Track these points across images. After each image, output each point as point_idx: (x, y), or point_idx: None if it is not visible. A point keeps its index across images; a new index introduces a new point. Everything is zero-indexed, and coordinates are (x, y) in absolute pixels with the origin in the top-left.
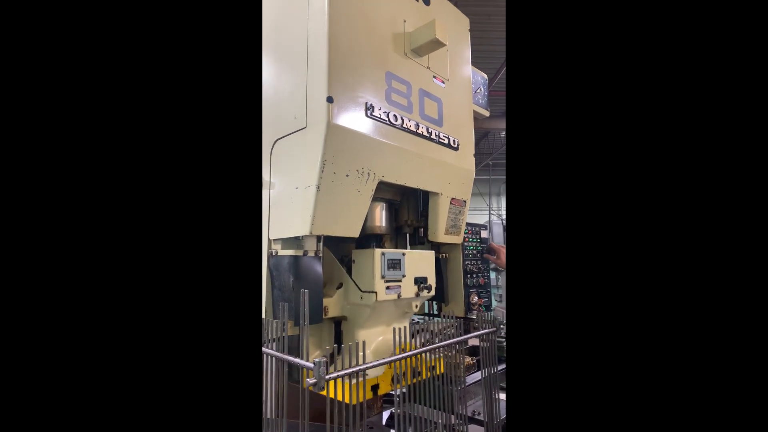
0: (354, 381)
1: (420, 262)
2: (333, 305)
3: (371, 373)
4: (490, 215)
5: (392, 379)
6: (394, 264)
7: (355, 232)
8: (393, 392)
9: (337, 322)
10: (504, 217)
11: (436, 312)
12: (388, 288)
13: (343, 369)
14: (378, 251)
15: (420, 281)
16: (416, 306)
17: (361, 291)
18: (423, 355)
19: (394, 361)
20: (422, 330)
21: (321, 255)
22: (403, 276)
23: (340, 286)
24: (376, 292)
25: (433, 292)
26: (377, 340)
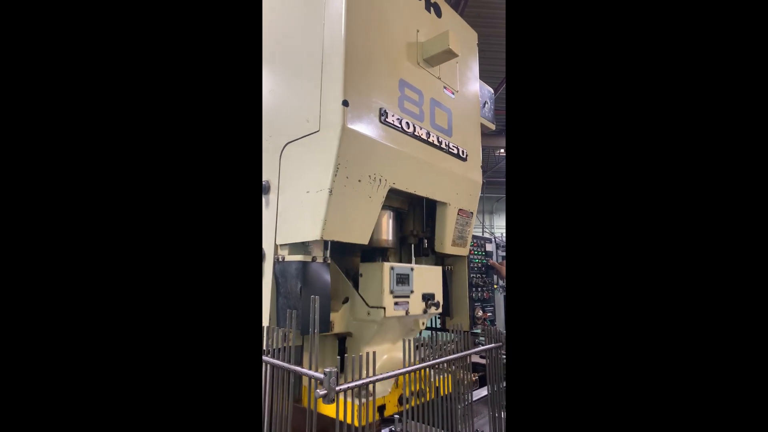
0: (362, 400)
1: (428, 278)
2: (338, 320)
3: (377, 394)
4: (484, 232)
5: (399, 400)
6: (403, 279)
7: (364, 239)
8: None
9: (341, 339)
10: (497, 234)
11: (440, 326)
12: (396, 304)
13: (352, 381)
14: (387, 265)
15: (428, 297)
16: (423, 323)
17: (368, 306)
18: (427, 372)
19: (403, 373)
20: (427, 345)
21: (329, 262)
22: (411, 292)
23: (345, 300)
24: (384, 308)
25: (440, 310)
26: (383, 357)
